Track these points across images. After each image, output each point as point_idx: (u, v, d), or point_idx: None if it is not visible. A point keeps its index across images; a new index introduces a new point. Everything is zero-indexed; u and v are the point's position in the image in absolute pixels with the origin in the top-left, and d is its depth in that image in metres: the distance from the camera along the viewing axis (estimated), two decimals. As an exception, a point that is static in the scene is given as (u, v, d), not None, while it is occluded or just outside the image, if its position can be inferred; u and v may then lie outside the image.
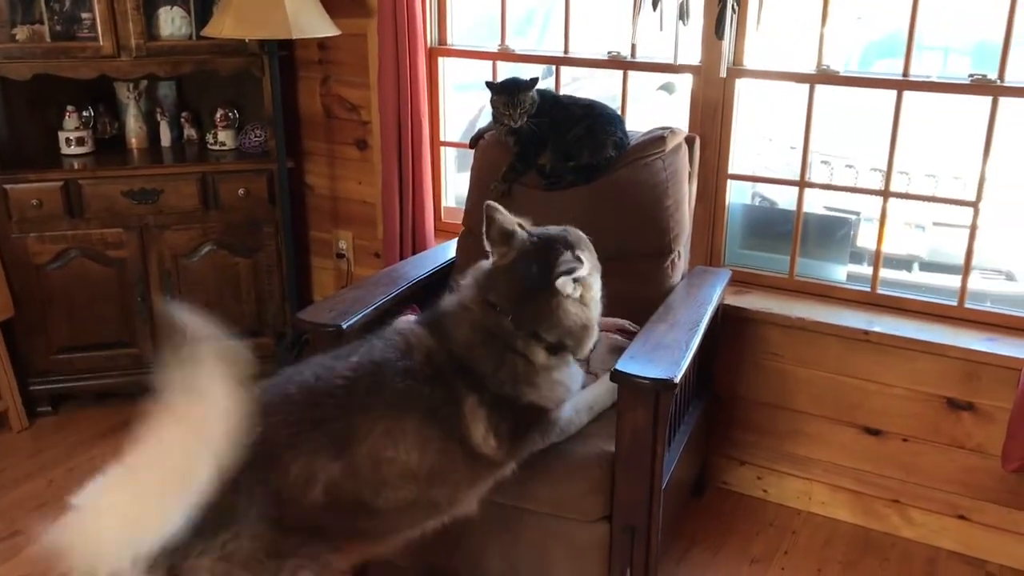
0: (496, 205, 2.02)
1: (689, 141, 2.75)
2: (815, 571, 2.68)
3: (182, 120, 3.70)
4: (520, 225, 2.03)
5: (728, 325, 2.87)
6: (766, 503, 3.01)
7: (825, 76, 2.75)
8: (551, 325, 1.94)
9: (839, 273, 3.06)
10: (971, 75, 2.58)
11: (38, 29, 3.26)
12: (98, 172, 3.32)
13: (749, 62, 2.84)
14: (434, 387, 1.85)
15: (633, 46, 2.98)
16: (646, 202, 2.59)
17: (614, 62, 3.05)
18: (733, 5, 2.72)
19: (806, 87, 2.80)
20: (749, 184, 3.29)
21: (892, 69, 2.70)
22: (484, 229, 2.01)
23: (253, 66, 3.35)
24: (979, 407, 2.63)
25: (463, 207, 2.92)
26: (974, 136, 2.61)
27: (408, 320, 2.53)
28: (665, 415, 2.05)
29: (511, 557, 2.25)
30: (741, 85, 2.86)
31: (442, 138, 3.46)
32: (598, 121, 2.67)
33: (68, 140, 3.44)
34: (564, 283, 1.90)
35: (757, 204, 3.51)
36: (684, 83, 2.98)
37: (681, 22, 2.76)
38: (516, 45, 3.24)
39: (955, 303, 2.74)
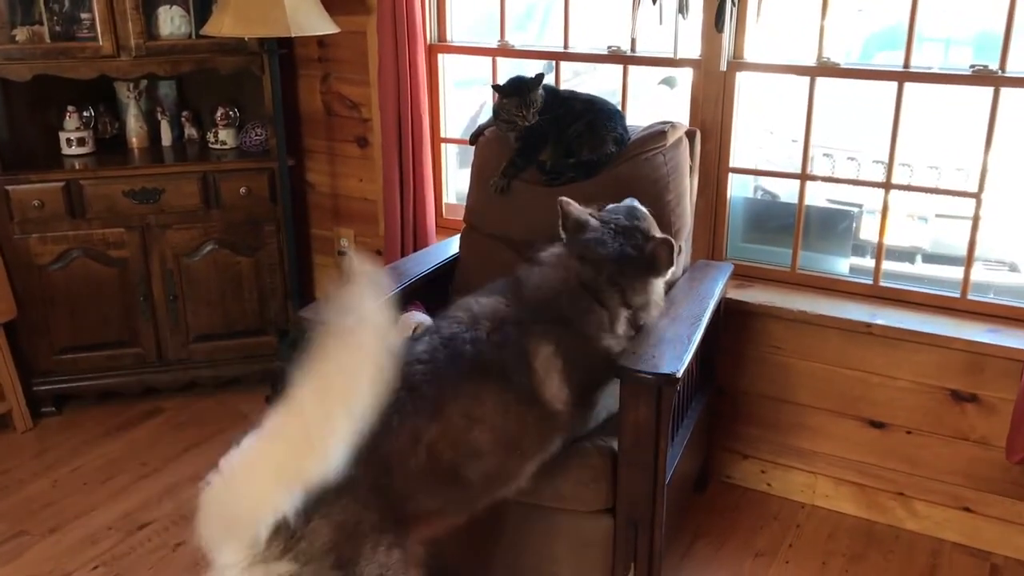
0: (568, 200, 2.24)
1: (690, 135, 2.75)
2: (820, 564, 2.68)
3: (183, 119, 3.70)
4: (592, 213, 2.24)
5: (731, 319, 2.87)
6: (770, 497, 3.01)
7: (825, 68, 2.75)
8: (638, 292, 2.17)
9: (841, 266, 3.05)
10: (972, 66, 2.57)
11: (38, 30, 3.26)
12: (99, 172, 3.32)
13: (749, 55, 2.84)
14: (503, 351, 1.94)
15: (633, 40, 2.97)
16: (647, 197, 2.57)
17: (614, 57, 3.04)
18: (733, -2, 2.72)
19: (807, 80, 2.80)
20: (751, 177, 3.28)
21: (893, 61, 2.69)
22: (560, 221, 2.22)
23: (253, 64, 3.35)
24: (983, 399, 2.63)
25: (464, 203, 2.92)
26: (977, 127, 2.60)
27: (414, 315, 2.55)
28: (668, 410, 2.05)
29: (515, 552, 2.25)
30: (741, 78, 2.86)
31: (442, 135, 3.46)
32: (598, 117, 2.67)
33: (69, 140, 3.45)
34: (669, 271, 2.20)
35: (759, 197, 3.51)
36: (685, 77, 2.97)
37: (681, 15, 2.76)
38: (516, 40, 3.24)
39: (958, 295, 2.73)
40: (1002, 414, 2.60)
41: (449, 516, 1.93)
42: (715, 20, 2.75)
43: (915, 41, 2.63)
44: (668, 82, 4.31)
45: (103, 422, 3.44)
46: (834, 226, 3.16)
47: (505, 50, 3.23)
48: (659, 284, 2.25)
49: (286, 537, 1.59)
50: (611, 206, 2.32)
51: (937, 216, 3.74)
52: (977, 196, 2.63)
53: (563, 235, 2.23)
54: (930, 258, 3.68)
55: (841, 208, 3.37)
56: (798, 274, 2.95)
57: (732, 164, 2.95)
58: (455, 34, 3.39)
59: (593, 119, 2.66)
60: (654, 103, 4.18)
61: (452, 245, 2.93)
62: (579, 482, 2.11)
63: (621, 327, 2.14)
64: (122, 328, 3.45)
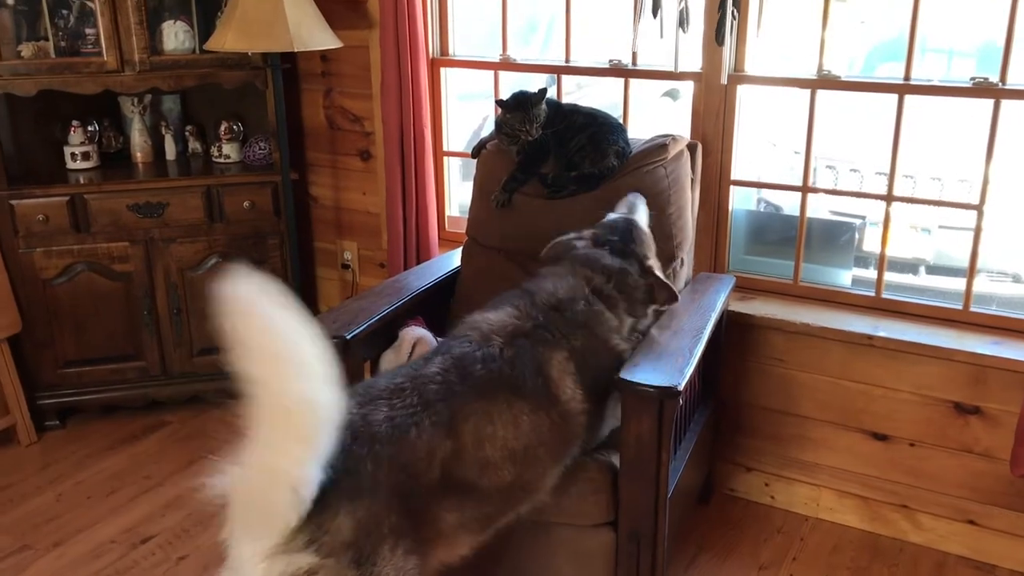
0: (557, 240, 2.36)
1: (691, 148, 2.75)
2: (824, 577, 2.68)
3: (186, 133, 3.72)
4: (588, 235, 2.32)
5: (733, 331, 2.86)
6: (773, 509, 3.00)
7: (826, 81, 2.75)
8: (639, 305, 2.26)
9: (844, 278, 3.05)
10: (973, 78, 2.57)
11: (43, 45, 3.28)
12: (104, 186, 3.34)
13: (750, 68, 2.85)
14: (515, 365, 1.97)
15: (634, 54, 2.98)
16: (649, 209, 2.59)
17: (615, 70, 3.05)
18: (733, 12, 2.72)
19: (808, 92, 2.80)
20: (754, 190, 3.28)
21: (896, 73, 2.69)
22: (552, 254, 2.33)
23: (256, 79, 3.37)
24: (987, 411, 2.62)
25: (466, 216, 2.93)
26: (979, 138, 2.60)
27: (413, 330, 2.55)
28: (670, 422, 2.04)
29: (517, 566, 2.25)
30: (742, 91, 2.86)
31: (445, 148, 3.47)
32: (600, 130, 2.67)
33: (73, 155, 3.47)
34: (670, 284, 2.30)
35: (762, 210, 3.51)
36: (688, 89, 2.98)
37: (681, 29, 2.76)
38: (519, 55, 3.25)
39: (961, 306, 2.73)
40: (1006, 426, 2.59)
41: (472, 531, 1.93)
42: (715, 34, 2.76)
43: (918, 53, 2.63)
44: (671, 95, 4.32)
45: (107, 435, 3.44)
46: (836, 238, 3.16)
47: (507, 64, 3.24)
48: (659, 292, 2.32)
49: (311, 529, 1.62)
50: (609, 218, 2.37)
51: (940, 227, 3.73)
52: (979, 208, 2.63)
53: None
54: (934, 270, 3.68)
55: (844, 220, 3.37)
56: (800, 286, 2.95)
57: (733, 177, 2.95)
58: (457, 48, 3.40)
59: (595, 132, 2.67)
60: (657, 116, 4.19)
61: (454, 258, 2.94)
62: (580, 495, 2.11)
63: (627, 331, 2.22)
64: (126, 342, 3.46)
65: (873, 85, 2.81)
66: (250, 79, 3.38)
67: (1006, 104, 2.53)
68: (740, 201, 3.10)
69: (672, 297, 2.29)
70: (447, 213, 3.56)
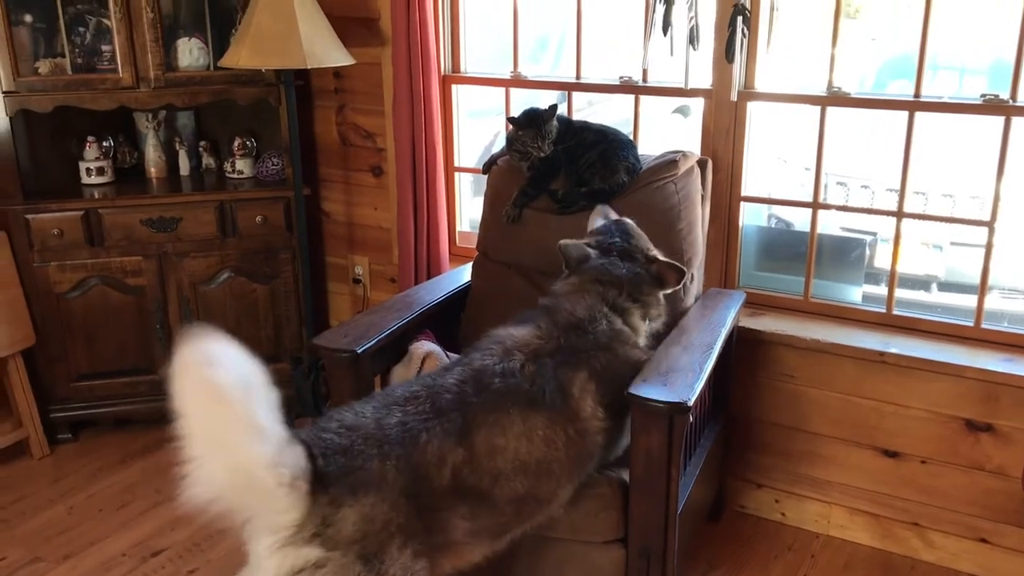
0: (564, 241, 2.34)
1: (701, 164, 2.76)
2: (835, 595, 2.66)
3: (200, 149, 3.76)
4: (588, 243, 2.34)
5: (743, 347, 2.86)
6: (784, 526, 2.99)
7: (836, 98, 2.76)
8: (653, 305, 2.31)
9: (855, 294, 3.04)
10: (983, 95, 2.57)
11: (60, 62, 3.32)
12: (118, 201, 3.37)
13: (760, 85, 2.85)
14: (535, 381, 1.98)
15: (644, 71, 2.99)
16: (659, 225, 2.59)
17: (626, 87, 3.07)
18: (743, 29, 2.74)
19: (818, 109, 2.81)
20: (765, 206, 3.28)
21: (907, 90, 2.69)
22: (564, 262, 2.32)
23: (270, 95, 3.40)
24: (998, 428, 2.61)
25: (477, 231, 2.94)
26: (991, 155, 2.60)
27: (423, 345, 2.56)
28: (680, 438, 2.04)
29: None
30: (753, 108, 2.87)
31: (456, 164, 3.49)
32: (611, 147, 2.69)
33: (88, 170, 3.50)
34: (678, 285, 2.35)
35: (772, 226, 3.51)
36: (698, 106, 2.99)
37: (691, 46, 2.78)
38: (530, 71, 3.27)
39: (972, 323, 2.72)
40: (1018, 444, 2.58)
41: (484, 541, 1.94)
42: (726, 51, 2.77)
43: (930, 70, 2.64)
44: (682, 111, 4.34)
45: (119, 449, 3.46)
46: (847, 254, 3.16)
47: (518, 81, 3.26)
48: (663, 294, 2.36)
49: (316, 523, 1.64)
50: (599, 225, 2.42)
51: (952, 244, 3.72)
52: (990, 224, 2.63)
53: (566, 271, 2.32)
54: (945, 286, 3.66)
55: (855, 236, 3.37)
56: (811, 302, 2.94)
57: (744, 193, 2.95)
58: (469, 65, 3.42)
59: (606, 149, 2.68)
60: (667, 132, 4.20)
61: (464, 273, 2.95)
62: (590, 512, 2.11)
63: (643, 339, 2.27)
64: (139, 355, 3.48)
65: (883, 102, 2.81)
66: (263, 95, 3.41)
67: (1017, 121, 2.53)
68: (751, 217, 3.11)
69: (680, 273, 2.31)
70: (458, 228, 3.57)
